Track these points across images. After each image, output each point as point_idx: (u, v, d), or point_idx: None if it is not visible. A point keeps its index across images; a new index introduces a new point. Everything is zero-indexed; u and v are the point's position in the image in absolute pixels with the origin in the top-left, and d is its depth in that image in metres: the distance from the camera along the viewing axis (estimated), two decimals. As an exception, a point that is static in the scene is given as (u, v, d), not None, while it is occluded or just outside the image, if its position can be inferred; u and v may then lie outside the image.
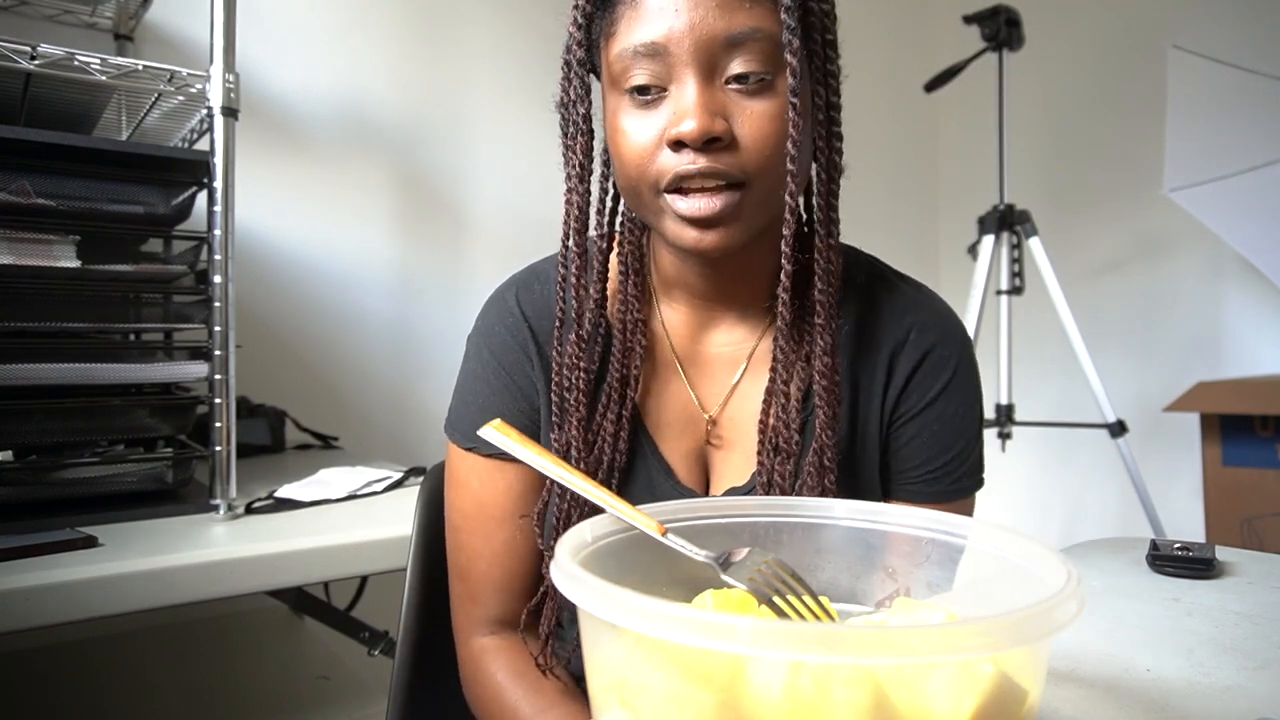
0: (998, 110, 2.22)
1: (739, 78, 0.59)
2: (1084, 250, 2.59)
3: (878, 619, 0.49)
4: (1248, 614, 0.65)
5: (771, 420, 0.68)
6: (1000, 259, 2.21)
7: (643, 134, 0.61)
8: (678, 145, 0.59)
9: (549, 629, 0.69)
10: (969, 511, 0.75)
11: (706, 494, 0.72)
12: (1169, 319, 2.49)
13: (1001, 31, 2.12)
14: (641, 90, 0.60)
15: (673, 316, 0.73)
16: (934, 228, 3.07)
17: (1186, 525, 2.33)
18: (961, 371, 0.72)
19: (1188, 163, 2.07)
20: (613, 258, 0.71)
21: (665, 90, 0.60)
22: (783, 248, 0.62)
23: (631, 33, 0.59)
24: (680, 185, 0.60)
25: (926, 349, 0.71)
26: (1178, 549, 0.77)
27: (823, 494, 0.65)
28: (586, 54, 0.64)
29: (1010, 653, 0.36)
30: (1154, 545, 0.78)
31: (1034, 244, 2.14)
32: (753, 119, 0.59)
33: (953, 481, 0.72)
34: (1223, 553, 0.80)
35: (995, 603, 0.46)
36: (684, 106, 0.58)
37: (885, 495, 0.73)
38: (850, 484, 0.69)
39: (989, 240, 2.19)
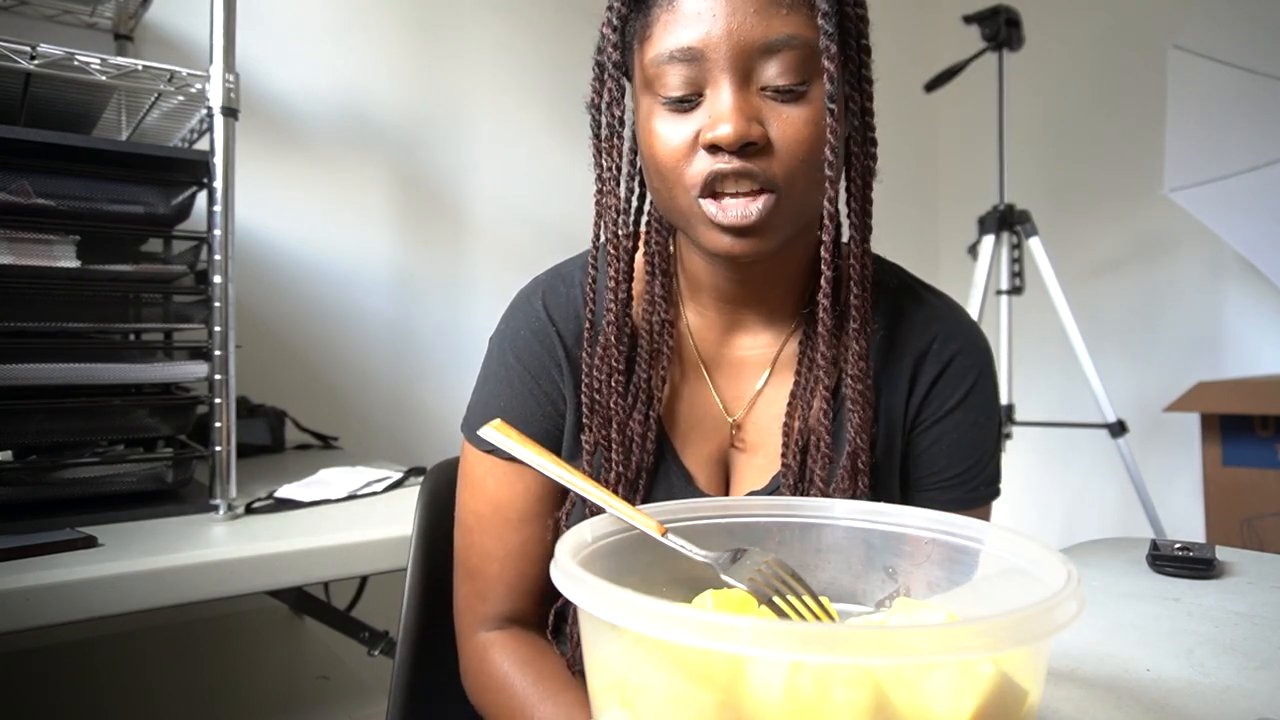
0: (998, 110, 2.22)
1: (775, 83, 0.59)
2: (1084, 250, 2.59)
3: (878, 619, 0.49)
4: (1248, 614, 0.65)
5: (797, 423, 0.68)
6: (1000, 259, 2.21)
7: (677, 137, 0.60)
8: (713, 149, 0.59)
9: (579, 634, 0.69)
10: (988, 515, 0.75)
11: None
12: (1169, 319, 2.49)
13: (1001, 31, 2.12)
14: (679, 98, 0.60)
15: (698, 319, 0.73)
16: (934, 228, 3.07)
17: (1186, 525, 2.33)
18: (982, 382, 0.72)
19: (1188, 163, 2.07)
20: (638, 259, 0.71)
21: (701, 94, 0.60)
22: (822, 254, 0.63)
23: (668, 37, 0.59)
24: (715, 188, 0.60)
25: (949, 358, 0.71)
26: (1178, 549, 0.76)
27: (854, 498, 0.66)
28: (621, 56, 0.64)
29: (1010, 653, 0.36)
30: (1154, 545, 0.78)
31: (1034, 244, 2.14)
32: (788, 124, 0.59)
33: (970, 490, 0.72)
34: (1223, 553, 0.80)
35: (995, 603, 0.46)
36: (720, 110, 0.58)
37: (903, 502, 0.72)
38: (873, 489, 0.69)
39: (989, 240, 2.19)
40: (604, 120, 0.65)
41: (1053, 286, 2.13)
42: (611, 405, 0.67)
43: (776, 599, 0.45)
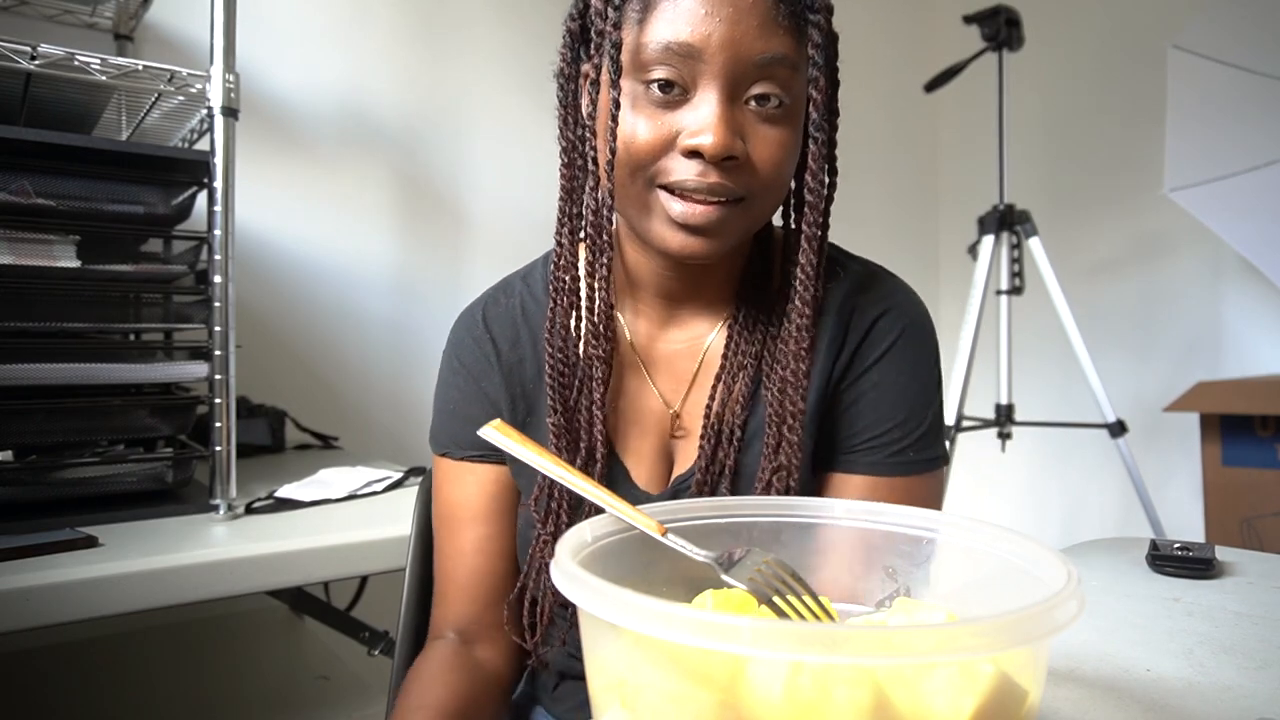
0: (998, 110, 2.22)
1: (760, 98, 0.59)
2: (1084, 250, 2.59)
3: (878, 619, 0.49)
4: (1248, 614, 0.65)
5: (715, 409, 0.69)
6: (1000, 259, 2.21)
7: (655, 132, 0.60)
8: (692, 154, 0.59)
9: (536, 618, 0.69)
10: (925, 495, 0.71)
11: (668, 488, 0.71)
12: (1169, 319, 2.49)
13: (1001, 31, 2.12)
14: (664, 86, 0.59)
15: (633, 314, 0.74)
16: (934, 228, 3.07)
17: (1186, 525, 2.33)
18: (907, 337, 0.70)
19: (1188, 163, 2.07)
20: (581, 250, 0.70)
21: (687, 92, 0.59)
22: (799, 275, 0.64)
23: (667, 26, 0.58)
24: (680, 188, 0.60)
25: (874, 319, 0.70)
26: (1178, 549, 0.77)
27: (769, 491, 0.66)
28: (619, 34, 0.60)
29: (1010, 653, 0.36)
30: (1154, 545, 0.78)
31: (1034, 244, 2.15)
32: (767, 143, 0.60)
33: (893, 454, 0.69)
34: (1223, 553, 0.80)
35: (995, 603, 0.46)
36: (705, 119, 0.58)
37: (821, 471, 0.71)
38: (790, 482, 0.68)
39: (989, 240, 2.18)
40: (587, 96, 0.64)
41: (1053, 286, 2.13)
42: (563, 400, 0.67)
43: (776, 599, 0.45)
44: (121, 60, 1.03)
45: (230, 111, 1.06)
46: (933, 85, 2.21)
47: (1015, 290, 2.23)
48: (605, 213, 0.64)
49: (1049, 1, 2.56)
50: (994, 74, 2.20)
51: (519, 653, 0.76)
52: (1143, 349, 2.53)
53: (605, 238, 0.65)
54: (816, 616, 0.45)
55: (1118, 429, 2.10)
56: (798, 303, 0.65)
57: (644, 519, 0.48)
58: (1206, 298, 2.41)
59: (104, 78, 1.02)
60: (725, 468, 0.68)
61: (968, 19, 2.18)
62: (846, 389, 0.70)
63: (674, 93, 0.59)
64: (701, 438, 0.69)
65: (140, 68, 1.04)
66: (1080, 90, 2.65)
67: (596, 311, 0.66)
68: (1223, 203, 2.02)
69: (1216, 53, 2.01)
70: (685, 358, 0.73)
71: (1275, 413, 1.93)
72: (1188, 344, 2.45)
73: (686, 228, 0.61)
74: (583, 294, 0.67)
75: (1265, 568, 0.77)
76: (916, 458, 0.69)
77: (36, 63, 0.98)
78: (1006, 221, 2.18)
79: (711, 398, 0.69)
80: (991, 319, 2.24)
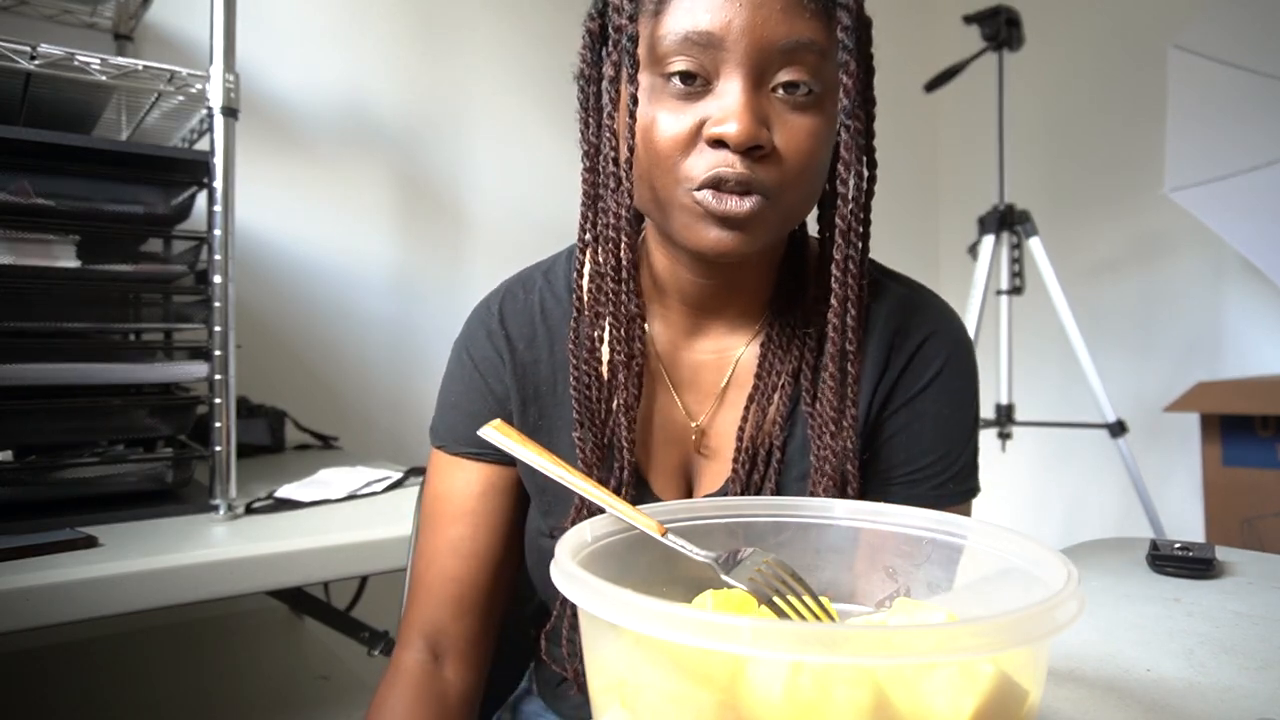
0: (998, 110, 2.22)
1: (787, 86, 0.57)
2: (1084, 250, 2.59)
3: (878, 619, 0.49)
4: (1248, 614, 0.65)
5: (750, 429, 0.67)
6: (1000, 259, 2.21)
7: (678, 125, 0.57)
8: (717, 144, 0.57)
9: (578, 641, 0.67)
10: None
11: None
12: (1169, 319, 2.49)
13: (1001, 31, 2.12)
14: (684, 78, 0.57)
15: (660, 323, 0.71)
16: (934, 228, 3.07)
17: (1186, 525, 2.33)
18: (949, 369, 0.68)
19: (1188, 163, 2.06)
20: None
21: (709, 83, 0.57)
22: (834, 271, 0.61)
23: (685, 16, 0.56)
24: (715, 184, 0.57)
25: (919, 343, 0.68)
26: (1178, 549, 0.76)
27: None
28: (634, 28, 0.58)
29: (1010, 653, 0.36)
30: (1154, 545, 0.78)
31: (1034, 244, 2.15)
32: (794, 133, 0.58)
33: (936, 486, 0.68)
34: (1223, 553, 0.80)
35: (995, 603, 0.46)
36: (729, 106, 0.56)
37: (864, 498, 0.69)
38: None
39: (989, 240, 2.19)
40: (607, 95, 0.61)
41: (1053, 286, 2.13)
42: (590, 414, 0.65)
43: (776, 599, 0.44)
44: (121, 60, 1.03)
45: (230, 111, 1.06)
46: (933, 85, 2.21)
47: (1015, 290, 2.23)
48: (626, 213, 0.61)
49: (1049, 1, 2.56)
50: (994, 74, 2.20)
51: (486, 669, 0.74)
52: (1143, 349, 2.53)
53: (628, 240, 0.62)
54: (816, 616, 0.45)
55: (1118, 429, 2.10)
56: (835, 303, 0.61)
57: (644, 519, 0.48)
58: (1207, 298, 2.41)
59: (104, 78, 1.02)
60: (765, 490, 0.66)
61: (968, 19, 2.18)
62: (889, 417, 0.68)
63: (695, 84, 0.57)
64: (735, 459, 0.66)
65: (140, 68, 1.04)
66: (1080, 90, 2.64)
67: (623, 318, 0.63)
68: (1223, 203, 2.02)
69: (1217, 53, 2.01)
70: (713, 370, 0.70)
71: (1276, 413, 1.93)
72: (1188, 344, 2.45)
73: (721, 221, 0.58)
74: (608, 300, 0.64)
75: (1265, 568, 0.77)
76: (956, 490, 0.69)
77: (36, 63, 0.98)
78: (1006, 221, 2.18)
79: (744, 418, 0.67)
80: (991, 319, 2.24)
